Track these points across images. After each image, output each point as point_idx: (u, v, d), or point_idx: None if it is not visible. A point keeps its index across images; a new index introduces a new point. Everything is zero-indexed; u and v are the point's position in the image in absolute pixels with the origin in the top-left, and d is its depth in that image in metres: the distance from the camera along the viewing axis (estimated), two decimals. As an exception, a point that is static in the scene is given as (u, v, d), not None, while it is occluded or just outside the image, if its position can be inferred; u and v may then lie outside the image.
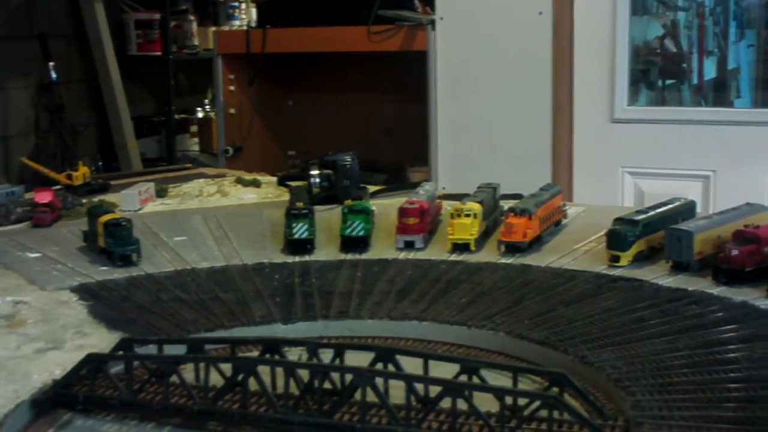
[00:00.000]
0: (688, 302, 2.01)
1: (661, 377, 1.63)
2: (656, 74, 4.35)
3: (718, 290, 2.07)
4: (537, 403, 1.44)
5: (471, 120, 4.32)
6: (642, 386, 1.60)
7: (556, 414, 1.42)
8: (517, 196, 2.72)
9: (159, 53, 5.93)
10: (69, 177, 3.30)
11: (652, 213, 2.36)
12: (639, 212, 2.37)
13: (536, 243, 2.47)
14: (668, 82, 4.42)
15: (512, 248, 2.41)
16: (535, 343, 1.86)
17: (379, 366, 1.55)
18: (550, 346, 1.83)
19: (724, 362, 1.69)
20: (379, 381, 1.47)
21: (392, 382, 1.50)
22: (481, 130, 4.29)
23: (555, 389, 1.50)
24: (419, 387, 1.50)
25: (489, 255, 2.42)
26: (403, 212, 2.51)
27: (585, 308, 2.00)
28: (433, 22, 4.35)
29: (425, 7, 4.47)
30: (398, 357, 1.56)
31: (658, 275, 2.19)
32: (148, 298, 2.14)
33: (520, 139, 4.18)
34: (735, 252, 2.08)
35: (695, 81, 4.40)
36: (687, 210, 2.44)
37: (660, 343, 1.78)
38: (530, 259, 2.37)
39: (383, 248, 2.50)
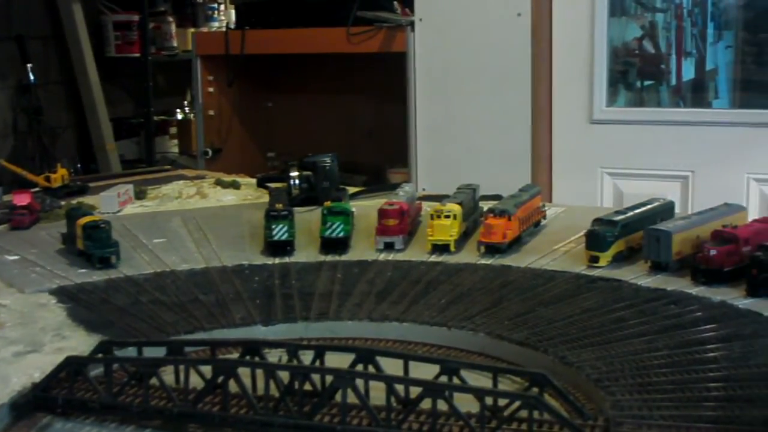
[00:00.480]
0: (667, 302, 2.02)
1: (641, 377, 1.64)
2: (635, 75, 4.36)
3: (696, 290, 2.08)
4: (517, 404, 1.44)
5: (451, 121, 4.32)
6: (621, 386, 1.60)
7: (536, 414, 1.42)
8: (496, 197, 2.72)
9: (137, 55, 5.91)
10: (47, 179, 3.28)
11: (630, 213, 2.37)
12: (618, 213, 2.38)
13: (516, 244, 2.47)
14: (647, 83, 4.44)
15: (492, 249, 2.41)
16: (515, 343, 1.87)
17: (360, 367, 1.55)
18: (530, 347, 1.84)
19: (704, 362, 1.70)
20: (359, 382, 1.47)
21: (372, 384, 1.50)
22: (460, 131, 4.30)
23: (535, 389, 1.50)
24: (399, 388, 1.50)
25: (469, 256, 2.42)
26: (382, 213, 2.51)
27: (564, 309, 2.01)
28: (412, 24, 4.35)
29: (404, 9, 4.47)
30: (378, 358, 1.56)
31: (637, 275, 2.20)
32: (127, 301, 2.13)
33: (499, 140, 4.19)
34: (713, 252, 2.09)
35: (674, 82, 4.42)
36: (666, 210, 2.45)
37: (639, 343, 1.79)
38: (510, 260, 2.38)
39: (363, 249, 2.50)
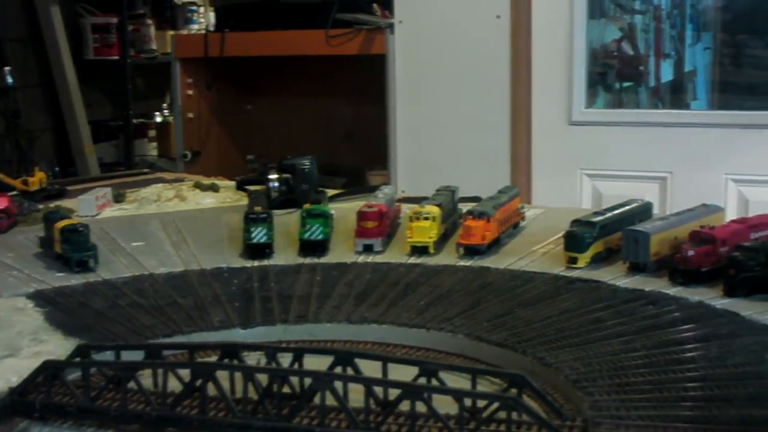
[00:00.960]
0: (645, 303, 2.02)
1: (619, 377, 1.64)
2: (613, 77, 4.38)
3: (674, 290, 2.08)
4: (495, 405, 1.45)
5: (430, 123, 4.33)
6: (599, 387, 1.61)
7: (514, 415, 1.42)
8: (475, 199, 2.73)
9: (116, 57, 5.89)
10: (25, 182, 3.26)
11: (609, 215, 2.37)
12: (596, 214, 2.38)
13: (495, 245, 2.47)
14: (625, 84, 4.46)
15: (471, 251, 2.41)
16: (493, 344, 1.87)
17: (338, 370, 1.54)
18: (508, 348, 1.84)
19: (681, 362, 1.70)
20: (338, 384, 1.47)
21: (351, 386, 1.50)
22: (440, 133, 4.30)
23: (513, 390, 1.50)
24: (378, 390, 1.50)
25: (448, 258, 2.42)
26: (361, 216, 2.51)
27: (543, 310, 2.01)
28: (391, 26, 4.36)
29: (384, 11, 4.48)
30: (357, 360, 1.56)
31: (616, 276, 2.21)
32: (105, 304, 2.12)
33: (478, 141, 4.20)
34: (691, 253, 2.10)
35: (652, 83, 4.44)
36: (644, 211, 2.46)
37: (617, 343, 1.80)
38: (489, 262, 2.38)
39: (342, 252, 2.50)
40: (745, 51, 4.26)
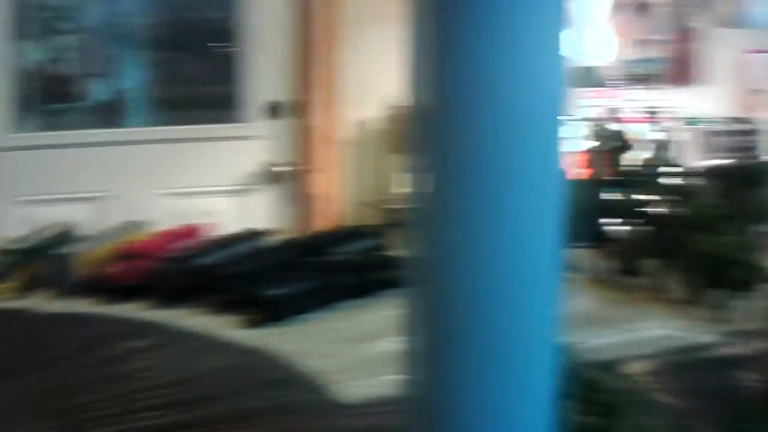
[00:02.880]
0: (78, 324, 2.04)
1: (67, 400, 1.63)
2: (45, 99, 4.31)
3: (104, 308, 2.12)
4: None
5: None
6: (47, 413, 1.59)
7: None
8: None
9: None
10: None
11: (36, 240, 2.36)
12: (23, 240, 2.35)
13: None
14: (59, 106, 4.41)
15: None
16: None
17: None
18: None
19: (130, 374, 1.74)
20: None
21: None
22: None
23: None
24: None
25: None
26: None
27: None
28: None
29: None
30: None
31: (44, 301, 2.20)
32: None
33: None
34: (116, 269, 2.15)
35: (88, 103, 4.43)
36: (73, 234, 2.47)
37: (62, 367, 1.79)
38: None
39: None
40: (178, 68, 4.40)
